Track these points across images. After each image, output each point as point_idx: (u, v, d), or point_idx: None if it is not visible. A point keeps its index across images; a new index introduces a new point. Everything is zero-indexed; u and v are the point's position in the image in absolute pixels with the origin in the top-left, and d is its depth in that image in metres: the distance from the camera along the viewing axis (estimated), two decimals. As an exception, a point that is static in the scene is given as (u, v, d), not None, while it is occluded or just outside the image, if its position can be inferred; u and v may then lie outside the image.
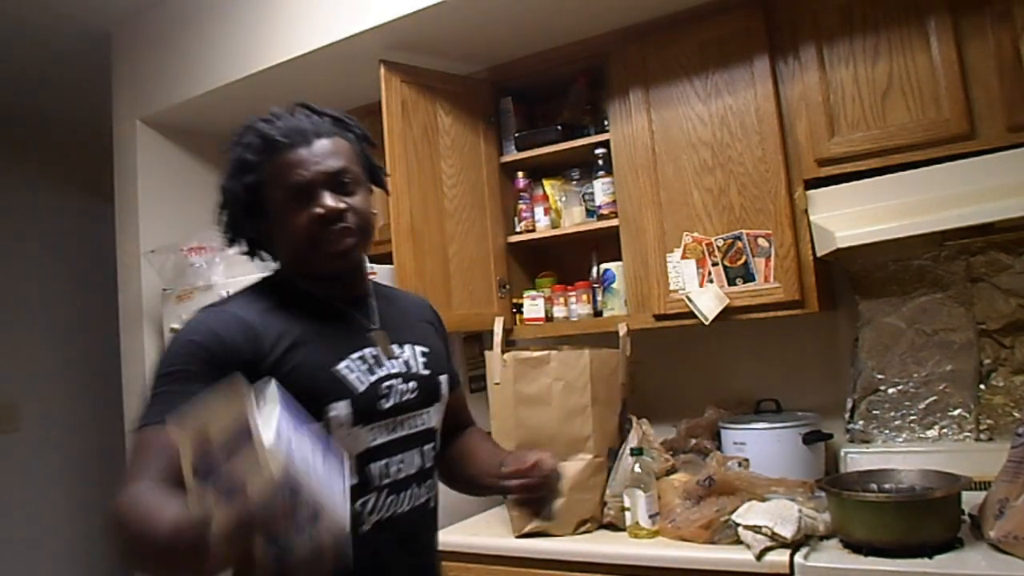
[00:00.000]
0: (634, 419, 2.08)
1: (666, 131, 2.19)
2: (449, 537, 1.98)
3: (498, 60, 2.50)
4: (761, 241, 2.04)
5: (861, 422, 2.19)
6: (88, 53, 2.86)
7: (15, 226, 3.39)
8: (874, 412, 2.18)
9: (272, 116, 1.17)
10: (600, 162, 2.34)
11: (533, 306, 2.46)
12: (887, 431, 2.16)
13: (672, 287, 2.16)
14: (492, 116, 2.53)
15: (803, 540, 1.68)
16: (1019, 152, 1.72)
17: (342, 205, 1.14)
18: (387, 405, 1.17)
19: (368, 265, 1.29)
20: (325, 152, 1.15)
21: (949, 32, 1.83)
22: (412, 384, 1.22)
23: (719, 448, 2.14)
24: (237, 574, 0.95)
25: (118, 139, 2.82)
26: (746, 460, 1.95)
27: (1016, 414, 1.99)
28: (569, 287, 2.46)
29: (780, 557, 1.63)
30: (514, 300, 2.50)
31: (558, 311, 2.45)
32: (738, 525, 1.72)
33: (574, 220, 2.46)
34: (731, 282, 2.08)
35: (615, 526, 1.99)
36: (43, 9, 2.58)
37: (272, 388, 0.89)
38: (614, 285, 2.34)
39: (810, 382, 2.28)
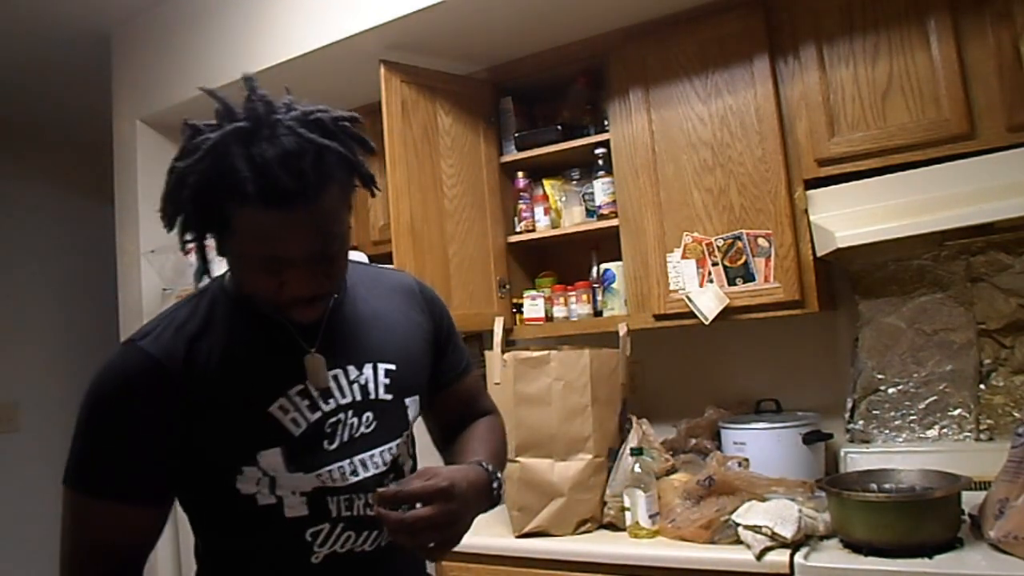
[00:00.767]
0: (634, 419, 2.08)
1: (666, 131, 2.19)
2: (449, 537, 1.98)
3: (498, 60, 2.50)
4: (761, 241, 2.04)
5: (861, 422, 2.19)
6: (88, 53, 2.86)
7: (15, 226, 3.40)
8: (874, 412, 2.18)
9: (249, 129, 0.89)
10: (600, 162, 2.34)
11: (533, 306, 2.46)
12: (887, 431, 2.16)
13: (672, 287, 2.16)
14: (492, 116, 2.53)
15: (803, 540, 1.68)
16: (1019, 152, 1.72)
17: (318, 288, 0.96)
18: (332, 446, 1.02)
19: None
20: (308, 224, 0.90)
21: (949, 32, 1.83)
22: (367, 416, 1.05)
23: (719, 448, 2.14)
24: None
25: (118, 139, 2.82)
26: (746, 460, 1.95)
27: (1016, 414, 1.99)
28: (569, 287, 2.46)
29: (780, 557, 1.63)
30: (514, 300, 2.50)
31: (558, 311, 2.45)
32: (738, 525, 1.72)
33: (574, 220, 2.46)
34: (731, 282, 2.08)
35: (615, 526, 1.99)
36: (43, 9, 2.58)
37: None
38: (614, 285, 2.34)
39: (810, 382, 2.27)
